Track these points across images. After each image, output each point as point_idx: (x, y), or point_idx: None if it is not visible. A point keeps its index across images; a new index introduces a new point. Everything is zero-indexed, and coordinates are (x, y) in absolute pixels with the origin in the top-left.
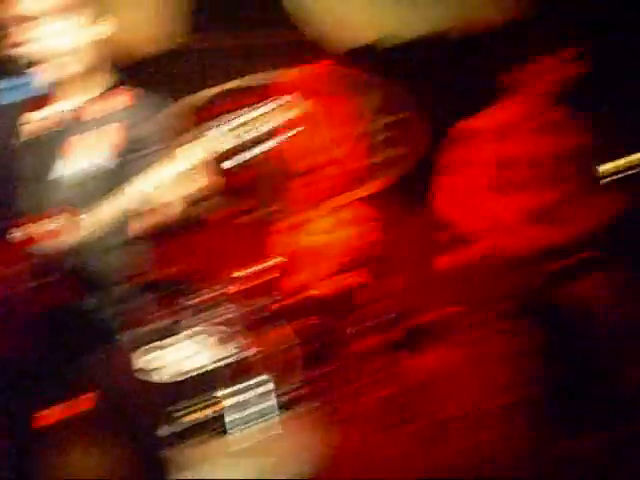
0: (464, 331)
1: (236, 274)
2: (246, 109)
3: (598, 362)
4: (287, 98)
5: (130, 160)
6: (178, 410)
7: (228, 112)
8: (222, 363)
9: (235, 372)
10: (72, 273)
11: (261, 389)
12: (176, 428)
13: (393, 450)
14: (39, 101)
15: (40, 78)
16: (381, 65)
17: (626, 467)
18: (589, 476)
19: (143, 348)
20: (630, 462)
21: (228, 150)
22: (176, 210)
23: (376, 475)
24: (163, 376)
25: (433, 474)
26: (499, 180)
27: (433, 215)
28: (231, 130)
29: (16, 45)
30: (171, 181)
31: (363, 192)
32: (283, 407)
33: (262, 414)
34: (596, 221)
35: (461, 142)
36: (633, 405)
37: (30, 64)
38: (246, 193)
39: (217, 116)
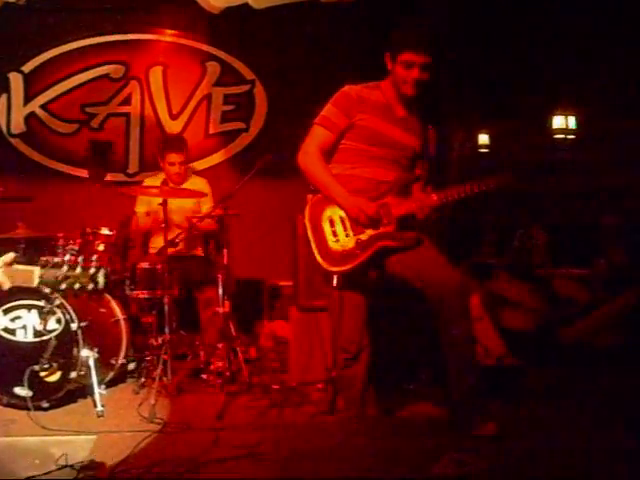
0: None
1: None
2: (84, 72)
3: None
4: (127, 64)
5: None
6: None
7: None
8: (49, 335)
9: (61, 344)
10: None
11: (87, 362)
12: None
13: (233, 419)
14: None
15: None
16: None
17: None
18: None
19: None
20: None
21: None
22: None
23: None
24: None
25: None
26: (361, 149)
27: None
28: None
29: None
30: None
31: (205, 164)
32: (111, 381)
33: (86, 388)
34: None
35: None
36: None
37: None
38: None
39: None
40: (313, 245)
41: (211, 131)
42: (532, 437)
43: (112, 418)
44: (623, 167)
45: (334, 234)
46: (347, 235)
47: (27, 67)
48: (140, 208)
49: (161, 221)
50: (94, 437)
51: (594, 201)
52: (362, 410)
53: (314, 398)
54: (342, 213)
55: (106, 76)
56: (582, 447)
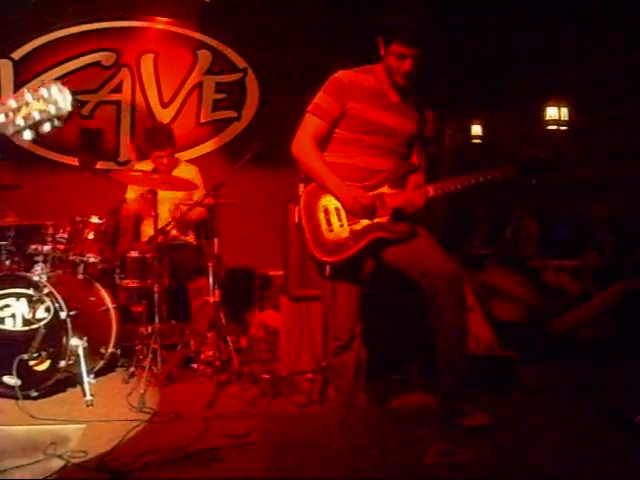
0: (298, 290)
1: (61, 231)
2: (75, 59)
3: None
4: (118, 51)
5: None
6: None
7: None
8: (38, 324)
9: (50, 333)
10: None
11: (77, 351)
12: None
13: (223, 408)
14: None
15: None
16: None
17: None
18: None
19: None
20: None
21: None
22: None
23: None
24: None
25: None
26: (355, 139)
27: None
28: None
29: None
30: None
31: (196, 152)
32: (100, 370)
33: (76, 377)
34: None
35: (327, 97)
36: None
37: None
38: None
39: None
40: (307, 234)
41: (202, 120)
42: (521, 427)
43: (101, 407)
44: (615, 159)
45: (328, 224)
46: (341, 225)
47: (17, 54)
48: (131, 194)
49: (151, 205)
50: (83, 426)
51: (585, 192)
52: (352, 399)
53: (304, 388)
54: (337, 203)
55: (97, 64)
56: (570, 437)
